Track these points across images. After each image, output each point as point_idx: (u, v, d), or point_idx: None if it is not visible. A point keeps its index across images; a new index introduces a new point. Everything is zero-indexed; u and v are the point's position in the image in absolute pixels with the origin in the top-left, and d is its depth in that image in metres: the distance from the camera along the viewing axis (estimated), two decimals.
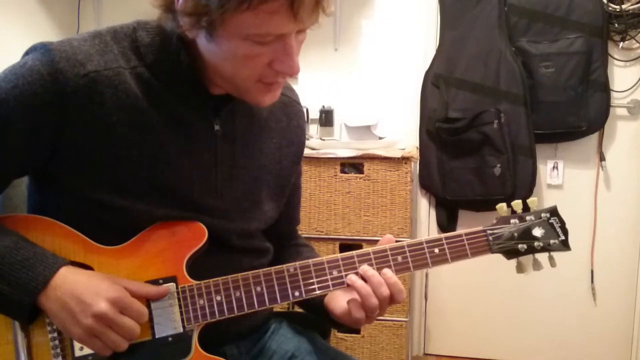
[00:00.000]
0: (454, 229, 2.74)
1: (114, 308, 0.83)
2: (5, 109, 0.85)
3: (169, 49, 0.90)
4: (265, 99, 0.92)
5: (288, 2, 0.77)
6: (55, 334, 0.87)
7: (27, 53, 0.89)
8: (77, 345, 0.87)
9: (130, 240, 0.92)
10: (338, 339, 2.46)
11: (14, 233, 0.89)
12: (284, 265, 0.95)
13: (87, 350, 0.87)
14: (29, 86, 0.84)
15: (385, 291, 0.92)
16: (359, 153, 2.41)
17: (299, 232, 1.25)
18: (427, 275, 2.86)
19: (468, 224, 2.78)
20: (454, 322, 2.87)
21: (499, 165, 2.52)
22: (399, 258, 0.96)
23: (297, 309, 1.16)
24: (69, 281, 0.84)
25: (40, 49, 0.86)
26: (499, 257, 1.00)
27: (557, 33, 2.53)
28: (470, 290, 2.83)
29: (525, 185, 2.55)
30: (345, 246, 2.45)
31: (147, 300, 0.89)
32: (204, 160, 0.96)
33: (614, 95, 2.56)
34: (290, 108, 1.10)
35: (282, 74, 0.87)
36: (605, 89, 2.52)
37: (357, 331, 2.45)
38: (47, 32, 2.76)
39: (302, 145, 1.13)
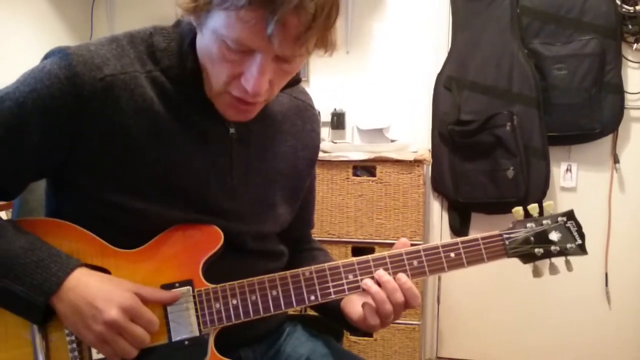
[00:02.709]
0: (466, 232, 2.74)
1: (125, 316, 0.84)
2: (23, 111, 0.86)
3: (182, 54, 0.91)
4: (230, 113, 0.91)
5: (264, 19, 0.76)
6: (74, 337, 0.88)
7: (45, 57, 0.90)
8: (94, 349, 0.88)
9: (146, 243, 0.93)
10: (351, 342, 2.46)
11: (30, 234, 0.89)
12: (300, 269, 0.95)
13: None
14: (47, 90, 0.85)
15: (399, 297, 0.92)
16: (371, 156, 2.40)
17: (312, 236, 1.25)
18: (439, 278, 2.85)
19: (481, 227, 2.78)
20: (467, 326, 2.86)
21: (512, 168, 2.51)
22: (415, 262, 0.95)
23: (310, 312, 1.16)
24: (82, 284, 0.85)
25: (59, 53, 0.87)
26: (513, 261, 1.00)
27: (570, 35, 2.51)
28: (483, 294, 2.81)
29: (539, 187, 2.53)
30: (358, 249, 2.45)
31: (163, 304, 0.90)
32: (219, 163, 0.96)
33: (627, 97, 2.54)
34: (305, 112, 1.10)
35: (243, 90, 0.85)
36: (619, 90, 2.50)
37: (370, 334, 2.45)
38: (60, 37, 2.78)
39: (316, 149, 1.13)
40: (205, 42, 0.85)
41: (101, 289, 0.85)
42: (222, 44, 0.82)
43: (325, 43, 0.83)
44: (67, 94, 0.85)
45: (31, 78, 0.87)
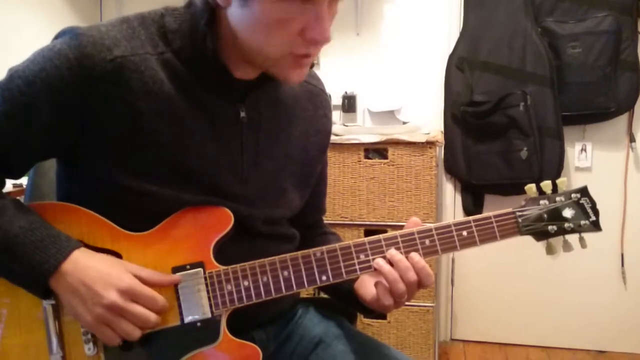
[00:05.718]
0: (480, 214, 2.72)
1: (124, 297, 0.84)
2: (32, 90, 0.85)
3: (195, 35, 0.90)
4: (293, 75, 0.89)
5: None
6: None
7: (56, 37, 0.90)
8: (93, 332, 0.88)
9: (157, 226, 0.93)
10: (365, 325, 2.47)
11: (31, 213, 0.89)
12: (311, 250, 0.94)
13: None
14: (56, 69, 0.84)
15: (412, 276, 0.92)
16: (383, 138, 2.39)
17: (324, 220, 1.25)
18: (453, 260, 2.84)
19: (494, 209, 2.72)
20: (481, 308, 2.85)
21: (525, 149, 2.49)
22: (427, 241, 0.94)
23: (323, 295, 1.15)
24: (80, 267, 0.85)
25: (69, 33, 0.87)
26: (527, 241, 0.99)
27: (585, 12, 2.47)
28: (497, 275, 2.80)
29: (553, 168, 2.51)
30: (371, 232, 2.44)
31: (175, 286, 0.90)
32: (230, 147, 0.95)
33: None
34: (317, 97, 1.09)
35: (313, 42, 0.83)
36: (635, 68, 2.46)
37: (384, 317, 2.45)
38: (69, 25, 2.79)
39: (328, 134, 1.12)
40: (255, 13, 0.82)
41: (100, 271, 0.85)
42: (285, 3, 0.80)
43: None
44: (76, 75, 0.84)
45: (41, 57, 0.86)
